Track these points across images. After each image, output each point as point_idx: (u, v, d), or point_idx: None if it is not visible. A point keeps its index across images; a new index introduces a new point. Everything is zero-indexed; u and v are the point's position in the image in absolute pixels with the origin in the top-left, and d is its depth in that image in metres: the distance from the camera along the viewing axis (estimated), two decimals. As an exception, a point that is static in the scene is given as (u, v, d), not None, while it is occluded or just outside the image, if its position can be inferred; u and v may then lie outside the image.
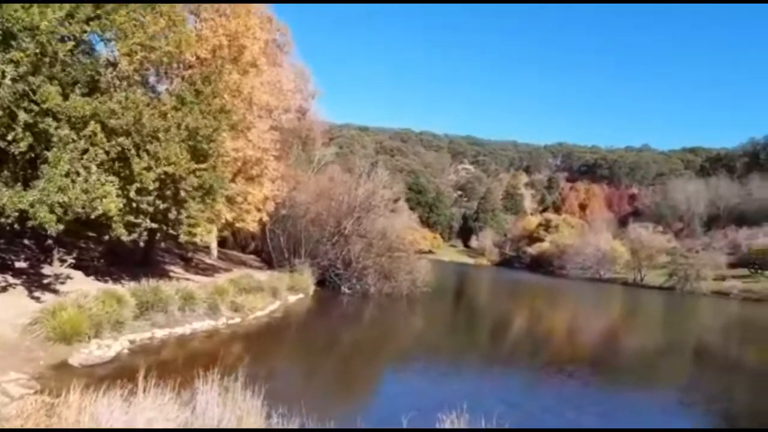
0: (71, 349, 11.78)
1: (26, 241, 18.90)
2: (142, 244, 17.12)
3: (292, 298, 25.63)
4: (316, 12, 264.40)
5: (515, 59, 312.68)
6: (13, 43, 12.00)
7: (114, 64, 15.71)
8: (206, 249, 32.15)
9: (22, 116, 12.36)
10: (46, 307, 12.60)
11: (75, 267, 18.02)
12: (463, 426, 7.79)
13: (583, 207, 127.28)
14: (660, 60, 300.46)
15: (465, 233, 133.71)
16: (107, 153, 13.98)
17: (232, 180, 22.99)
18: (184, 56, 17.83)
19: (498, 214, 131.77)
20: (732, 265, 73.90)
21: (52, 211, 12.46)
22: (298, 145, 43.03)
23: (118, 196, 14.00)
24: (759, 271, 70.07)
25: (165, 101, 16.67)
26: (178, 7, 17.63)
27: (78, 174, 13.11)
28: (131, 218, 15.25)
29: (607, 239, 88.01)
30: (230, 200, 23.34)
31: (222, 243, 37.61)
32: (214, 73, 18.54)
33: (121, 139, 14.35)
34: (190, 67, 19.97)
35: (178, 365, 12.17)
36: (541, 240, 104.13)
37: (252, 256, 39.18)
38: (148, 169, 14.89)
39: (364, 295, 30.38)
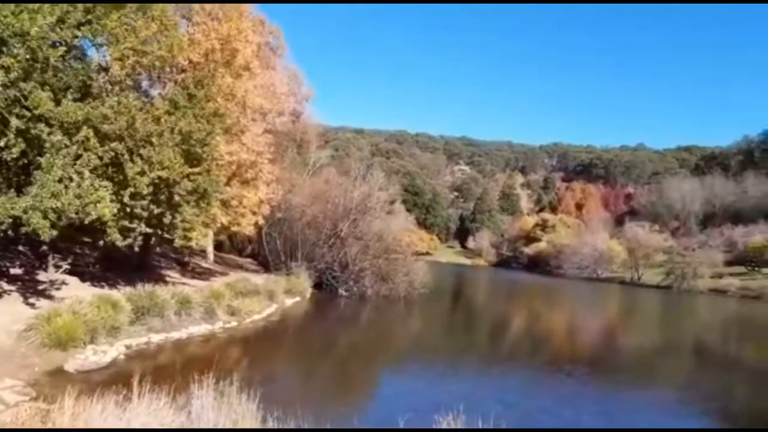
0: (67, 356, 11.73)
1: (21, 248, 18.84)
2: (137, 248, 17.08)
3: (289, 301, 25.58)
4: (311, 14, 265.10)
5: (510, 59, 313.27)
6: (3, 49, 11.94)
7: (106, 69, 15.68)
8: (203, 253, 32.10)
9: (14, 122, 12.31)
10: (41, 313, 12.56)
11: (70, 273, 17.96)
12: (460, 426, 7.76)
13: (579, 207, 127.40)
14: (654, 59, 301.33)
15: (462, 234, 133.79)
16: (100, 158, 13.93)
17: (227, 183, 22.93)
18: (177, 60, 17.79)
19: (494, 215, 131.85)
20: (729, 263, 74.04)
21: (45, 217, 12.40)
22: (293, 148, 43.02)
23: (112, 201, 13.96)
24: (756, 268, 70.22)
25: (158, 105, 16.63)
26: (170, 10, 17.60)
27: (71, 179, 13.05)
28: (126, 223, 15.21)
29: (603, 239, 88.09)
30: (225, 204, 23.29)
31: (218, 247, 37.58)
32: (207, 77, 18.53)
33: (114, 144, 14.30)
34: (183, 71, 19.94)
35: (174, 370, 12.10)
36: (538, 240, 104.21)
37: (249, 260, 39.13)
38: (142, 173, 14.85)
39: (361, 298, 30.33)
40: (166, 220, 16.85)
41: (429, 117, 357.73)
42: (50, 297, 15.15)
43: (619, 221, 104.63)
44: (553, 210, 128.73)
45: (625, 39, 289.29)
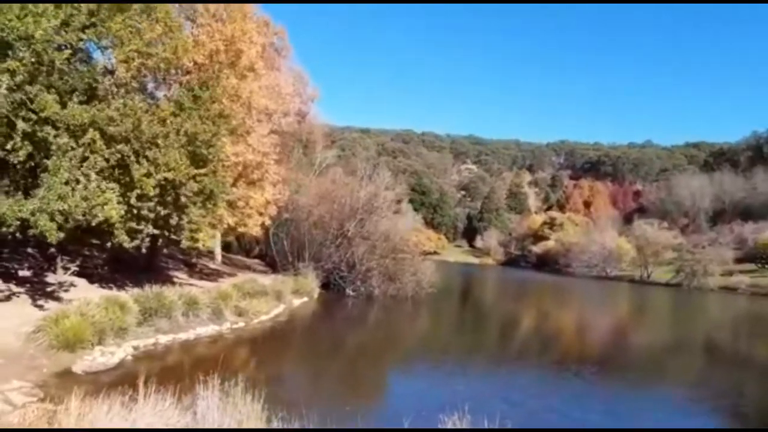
0: (74, 357, 11.78)
1: (30, 250, 18.98)
2: (144, 250, 17.14)
3: (297, 302, 25.60)
4: (316, 14, 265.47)
5: (516, 58, 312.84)
6: (9, 52, 12.02)
7: (111, 72, 15.75)
8: (210, 254, 32.19)
9: (21, 125, 12.40)
10: (49, 315, 12.61)
11: (79, 275, 18.05)
12: (465, 426, 7.72)
13: (587, 204, 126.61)
14: (661, 55, 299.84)
15: (470, 233, 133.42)
16: (107, 160, 14.00)
17: (233, 184, 22.99)
18: (182, 62, 17.81)
19: (502, 214, 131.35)
20: (739, 260, 73.30)
21: (52, 220, 12.47)
22: (299, 149, 43.08)
23: (118, 203, 14.01)
24: (766, 265, 69.59)
25: (163, 107, 16.67)
26: (174, 12, 17.66)
27: (78, 182, 13.12)
28: (133, 225, 15.25)
29: (612, 236, 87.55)
30: (232, 205, 23.35)
31: (226, 248, 37.68)
32: (212, 78, 18.55)
33: (120, 146, 14.36)
34: (188, 72, 19.98)
35: (180, 371, 12.12)
36: (546, 238, 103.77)
37: (256, 261, 39.24)
38: (148, 175, 14.88)
39: (368, 298, 30.32)
40: (173, 221, 16.90)
41: (435, 116, 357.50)
42: (58, 299, 15.24)
43: (627, 219, 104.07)
44: (561, 208, 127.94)
45: (632, 36, 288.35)
